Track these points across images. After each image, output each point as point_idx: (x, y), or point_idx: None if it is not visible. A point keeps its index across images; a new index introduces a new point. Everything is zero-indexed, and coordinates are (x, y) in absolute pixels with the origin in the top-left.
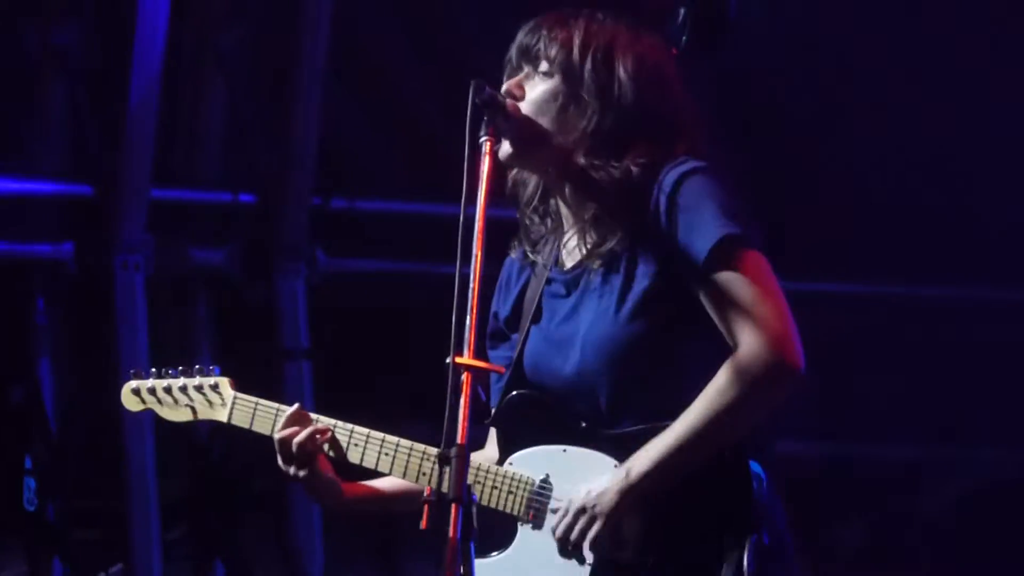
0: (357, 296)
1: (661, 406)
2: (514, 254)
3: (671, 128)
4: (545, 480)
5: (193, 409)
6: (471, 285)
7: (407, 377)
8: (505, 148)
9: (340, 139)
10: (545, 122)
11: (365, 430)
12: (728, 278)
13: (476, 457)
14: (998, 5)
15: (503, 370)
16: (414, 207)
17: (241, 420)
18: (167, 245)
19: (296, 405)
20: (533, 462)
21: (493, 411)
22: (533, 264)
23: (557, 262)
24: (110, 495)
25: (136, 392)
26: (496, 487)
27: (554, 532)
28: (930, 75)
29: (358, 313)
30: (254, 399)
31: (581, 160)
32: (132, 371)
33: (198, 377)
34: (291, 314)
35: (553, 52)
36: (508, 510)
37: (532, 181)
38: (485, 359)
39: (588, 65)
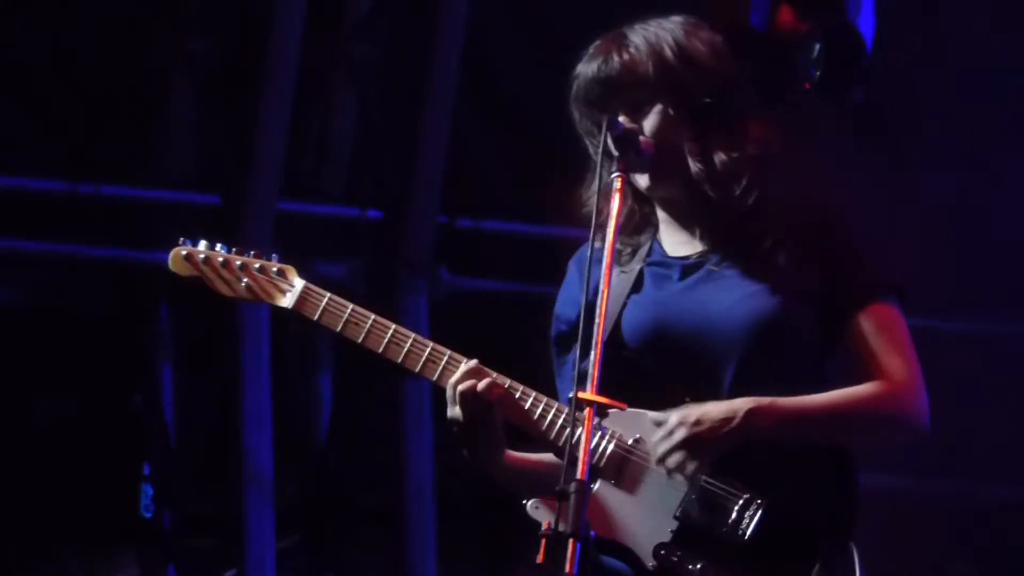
0: (479, 315)
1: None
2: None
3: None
4: (637, 441)
5: (252, 290)
6: (596, 320)
7: None
8: (644, 181)
9: (469, 158)
10: (671, 147)
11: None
12: (894, 318)
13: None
14: None
15: (625, 406)
16: (540, 229)
17: (309, 311)
18: (292, 257)
19: (475, 361)
20: (625, 421)
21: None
22: (614, 265)
23: (653, 251)
24: (226, 502)
25: (188, 258)
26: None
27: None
28: None
29: (479, 333)
30: (327, 292)
31: (716, 162)
32: (182, 239)
33: (259, 260)
34: (412, 330)
35: (640, 75)
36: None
37: (625, 208)
38: (607, 394)
39: (675, 69)
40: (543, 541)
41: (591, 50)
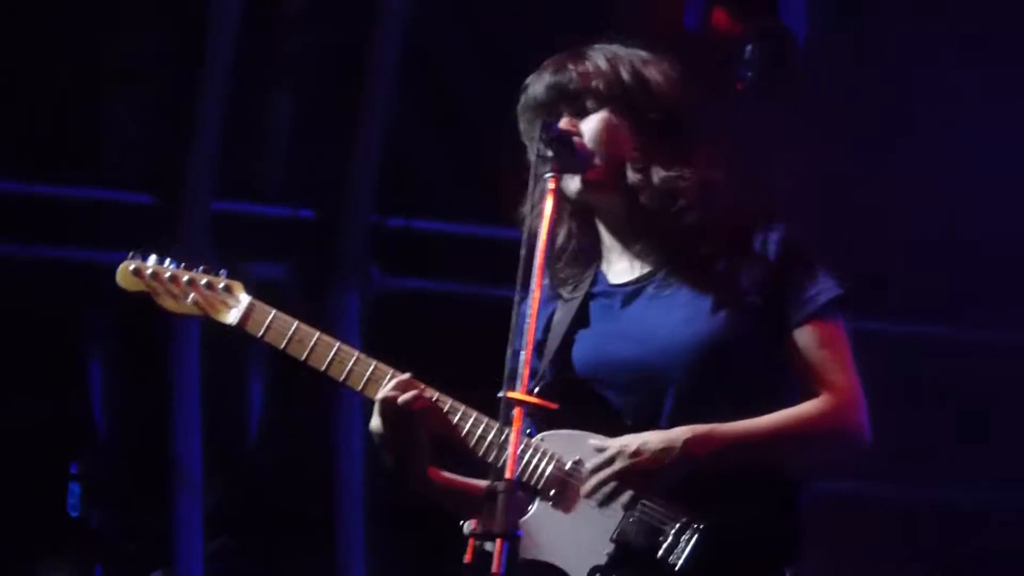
0: (410, 315)
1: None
2: (546, 282)
3: (706, 126)
4: (577, 463)
5: (199, 305)
6: (527, 320)
7: (458, 398)
8: (575, 185)
9: (401, 157)
10: (608, 152)
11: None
12: (833, 333)
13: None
14: None
15: (556, 406)
16: (472, 229)
17: (253, 328)
18: (226, 257)
19: (408, 374)
20: (566, 443)
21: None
22: (559, 296)
23: (597, 281)
24: (155, 504)
25: (136, 272)
26: (521, 455)
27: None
28: None
29: (411, 332)
30: (273, 309)
31: (654, 176)
32: (131, 254)
33: (207, 276)
34: (344, 330)
35: (592, 85)
36: (528, 480)
37: (561, 233)
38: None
39: (629, 85)
40: (470, 540)
41: (546, 63)
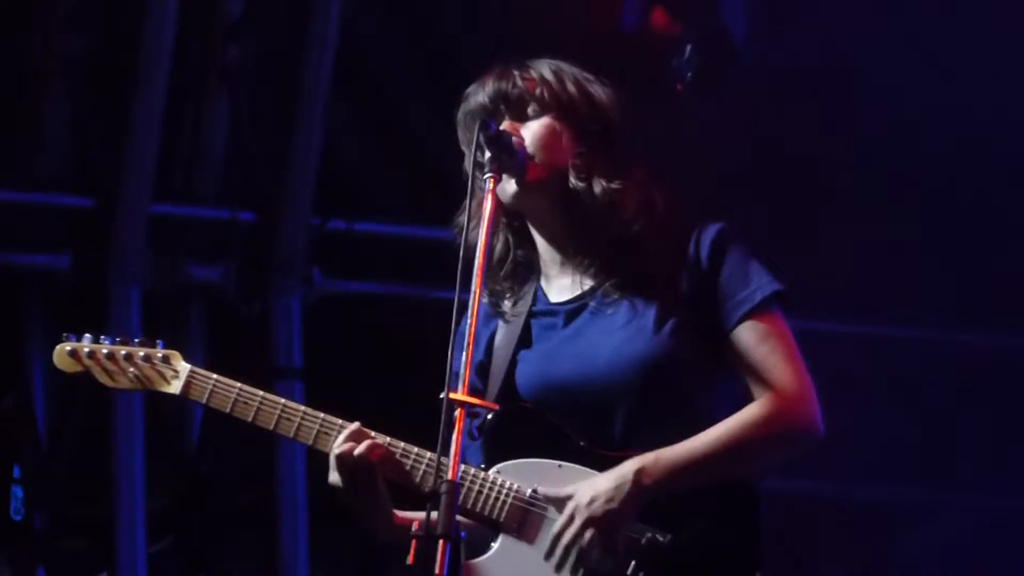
0: (352, 317)
1: (671, 440)
2: (486, 299)
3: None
4: (535, 492)
5: (139, 379)
6: (467, 321)
7: (399, 401)
8: (511, 187)
9: (342, 159)
10: (548, 156)
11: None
12: (773, 328)
13: None
14: None
15: (497, 406)
16: (412, 230)
17: (197, 395)
18: (165, 260)
19: (357, 424)
20: (523, 473)
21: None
22: (501, 313)
23: (537, 299)
24: (97, 505)
25: (73, 354)
26: (480, 491)
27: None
28: None
29: (352, 335)
30: (212, 375)
31: (596, 186)
32: (65, 334)
33: (144, 348)
34: (285, 333)
35: (536, 92)
36: (490, 515)
37: (498, 243)
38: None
39: (574, 96)
40: (413, 541)
41: (488, 73)
